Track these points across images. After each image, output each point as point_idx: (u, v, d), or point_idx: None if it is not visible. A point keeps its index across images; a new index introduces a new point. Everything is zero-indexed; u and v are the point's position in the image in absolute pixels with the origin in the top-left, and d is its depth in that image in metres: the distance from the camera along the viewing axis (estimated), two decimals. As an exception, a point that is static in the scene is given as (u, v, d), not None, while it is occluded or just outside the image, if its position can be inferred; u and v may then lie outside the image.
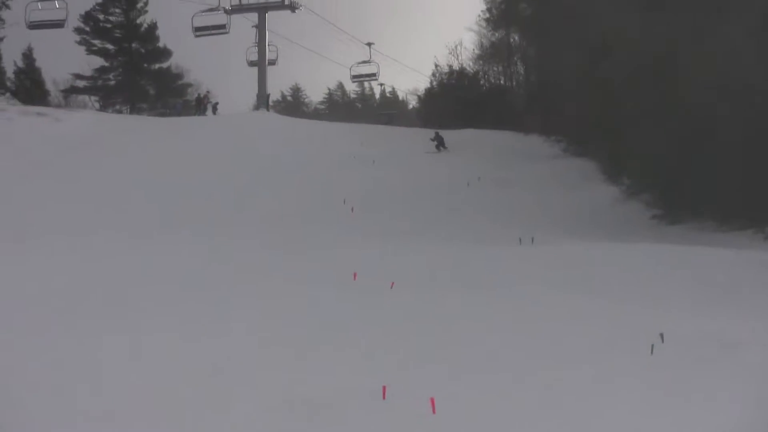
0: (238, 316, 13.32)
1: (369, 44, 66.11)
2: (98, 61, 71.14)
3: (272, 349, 11.18)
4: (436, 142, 47.14)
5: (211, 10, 60.92)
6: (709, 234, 28.57)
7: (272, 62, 63.65)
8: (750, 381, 9.83)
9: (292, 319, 13.15)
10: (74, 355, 10.68)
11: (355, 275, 16.43)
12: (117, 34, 70.91)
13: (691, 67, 29.08)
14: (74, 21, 67.10)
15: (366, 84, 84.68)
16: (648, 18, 30.42)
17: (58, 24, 52.72)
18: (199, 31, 61.22)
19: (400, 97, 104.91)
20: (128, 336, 11.78)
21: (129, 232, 24.28)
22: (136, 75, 70.76)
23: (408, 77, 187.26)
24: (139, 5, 71.41)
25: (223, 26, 61.07)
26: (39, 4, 52.19)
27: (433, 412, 8.42)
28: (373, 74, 67.13)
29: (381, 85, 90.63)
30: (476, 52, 71.92)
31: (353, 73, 67.67)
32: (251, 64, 63.89)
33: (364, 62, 66.32)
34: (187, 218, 27.51)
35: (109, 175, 33.60)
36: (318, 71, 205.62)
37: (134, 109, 68.71)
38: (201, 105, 62.11)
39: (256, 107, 64.04)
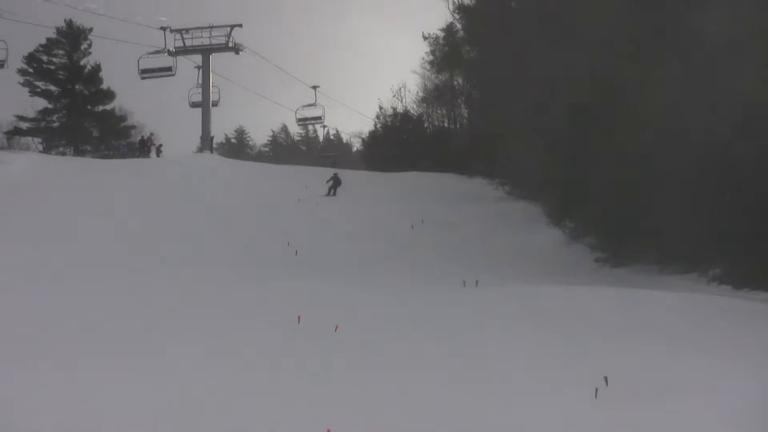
0: (178, 358, 13.03)
1: (314, 87, 66.08)
2: (42, 103, 70.57)
3: (201, 393, 10.95)
4: (331, 183, 46.64)
5: (157, 52, 60.86)
6: (653, 277, 28.84)
7: (214, 103, 63.42)
8: (694, 422, 9.81)
9: (234, 361, 12.93)
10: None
11: (299, 318, 16.24)
12: (60, 76, 70.24)
13: (634, 113, 29.45)
14: (17, 62, 66.68)
15: (310, 127, 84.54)
16: (593, 61, 30.82)
17: (-3, 64, 51.95)
18: (145, 73, 61.09)
19: (344, 140, 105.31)
20: (62, 374, 11.49)
21: (72, 272, 23.79)
22: (79, 117, 70.09)
23: (352, 120, 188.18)
24: (83, 47, 70.94)
25: (169, 68, 61.04)
26: (-24, 44, 51.54)
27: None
28: (319, 117, 66.97)
29: (324, 127, 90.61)
30: (420, 94, 72.72)
31: (299, 116, 67.44)
32: (193, 105, 63.59)
33: (310, 105, 66.16)
34: (131, 259, 27.12)
35: (52, 216, 33.05)
36: (262, 113, 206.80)
37: (78, 151, 68.01)
38: (145, 147, 61.70)
39: (200, 149, 63.69)
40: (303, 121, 69.59)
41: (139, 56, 60.92)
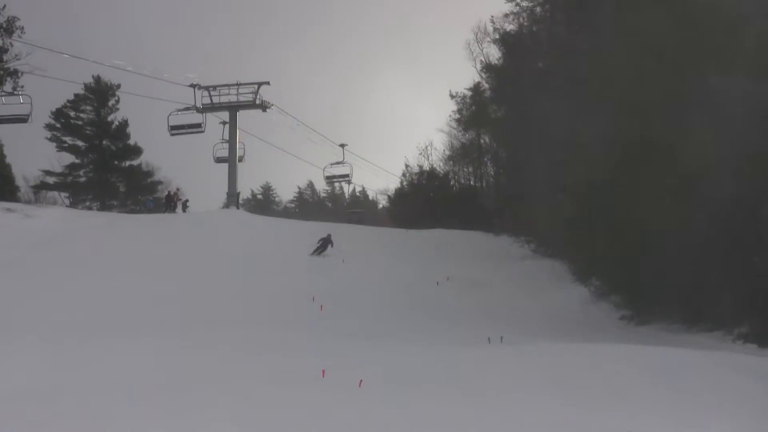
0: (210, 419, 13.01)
1: (342, 145, 66.16)
2: (69, 158, 71.16)
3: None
4: (319, 244, 43.91)
5: (186, 108, 61.02)
6: (678, 335, 28.72)
7: (240, 159, 62.96)
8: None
9: (265, 417, 12.94)
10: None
11: (323, 372, 16.27)
12: (88, 131, 71.05)
13: (661, 174, 29.55)
14: (45, 117, 67.47)
15: (337, 184, 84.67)
16: (620, 123, 30.91)
17: (21, 119, 52.33)
18: (175, 129, 61.15)
19: (370, 197, 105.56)
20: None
21: (98, 330, 23.88)
22: (106, 172, 70.68)
23: (378, 177, 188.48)
24: (111, 103, 71.80)
25: (199, 125, 61.14)
26: (2, 98, 52.27)
27: None
28: (346, 175, 66.91)
29: (350, 183, 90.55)
30: (446, 152, 72.84)
31: (326, 174, 67.46)
32: (218, 160, 63.42)
33: (338, 163, 66.16)
34: (157, 318, 27.16)
35: (79, 272, 33.28)
36: (289, 170, 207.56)
37: (104, 206, 68.44)
38: (171, 202, 61.78)
39: (227, 205, 63.89)
40: (330, 179, 69.64)
41: (168, 113, 60.98)
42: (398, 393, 15.40)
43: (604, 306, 34.74)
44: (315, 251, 43.40)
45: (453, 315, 29.61)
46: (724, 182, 27.26)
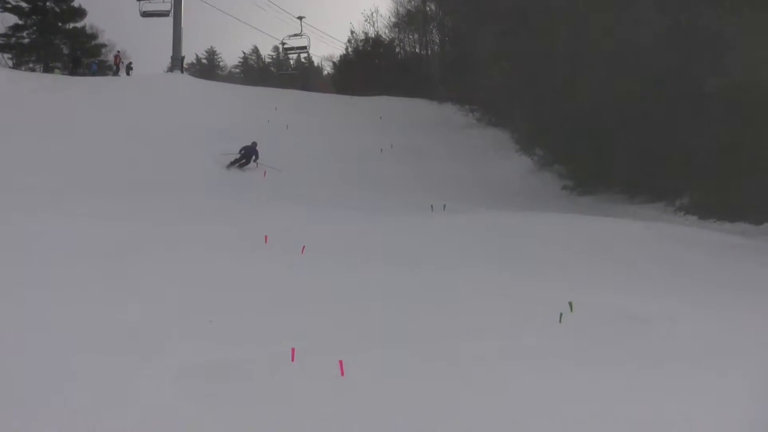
0: (152, 282, 12.70)
1: (300, 18, 65.41)
2: (12, 19, 69.41)
3: (186, 314, 10.69)
4: (240, 154, 33.82)
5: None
6: (620, 205, 28.89)
7: (165, 13, 60.30)
8: (658, 351, 9.73)
9: (212, 281, 12.68)
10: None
11: (266, 238, 16.02)
12: (31, -8, 69.20)
13: (608, 44, 29.35)
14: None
15: (293, 55, 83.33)
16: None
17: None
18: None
19: (316, 63, 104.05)
20: (34, 299, 11.15)
21: (38, 191, 23.31)
22: (50, 34, 69.13)
23: (324, 43, 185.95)
24: (56, -37, 69.66)
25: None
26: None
27: (342, 374, 8.15)
28: (304, 47, 66.74)
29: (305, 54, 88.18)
30: (392, 20, 71.82)
31: (286, 46, 67.40)
32: (144, 14, 60.40)
33: (296, 35, 65.90)
34: (100, 181, 26.69)
35: (23, 134, 32.44)
36: (234, 35, 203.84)
37: (47, 68, 67.04)
38: (115, 65, 60.76)
39: (171, 69, 62.65)
40: (289, 51, 69.39)
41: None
42: (341, 260, 15.20)
43: (547, 176, 34.83)
44: (233, 163, 33.55)
45: (395, 183, 29.49)
46: (665, 54, 27.19)
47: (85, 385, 7.86)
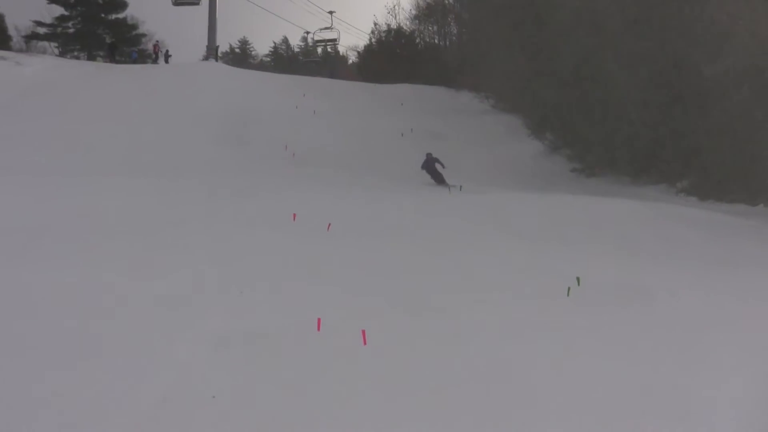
0: (187, 256, 12.79)
1: (331, 12, 65.98)
2: (58, 10, 69.98)
3: (217, 286, 10.79)
4: (429, 176, 28.57)
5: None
6: (625, 187, 28.93)
7: (195, 2, 59.89)
8: (659, 321, 9.81)
9: (241, 254, 12.76)
10: (27, 285, 10.19)
11: (294, 216, 16.09)
12: (77, -16, 69.61)
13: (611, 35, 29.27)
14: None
15: (308, 39, 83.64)
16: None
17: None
18: None
19: (341, 53, 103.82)
20: (77, 271, 11.27)
21: (83, 173, 23.47)
22: (93, 24, 69.56)
23: (349, 34, 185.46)
24: (99, -44, 69.97)
25: None
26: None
27: (364, 343, 8.25)
28: (334, 39, 67.47)
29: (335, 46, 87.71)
30: (413, 12, 71.72)
31: (316, 38, 68.03)
32: (176, 3, 59.83)
33: (326, 29, 66.58)
34: (139, 162, 26.89)
35: (68, 118, 32.71)
36: (266, 27, 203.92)
37: (91, 56, 67.43)
38: (155, 54, 61.00)
39: (206, 58, 62.72)
40: (320, 43, 70.67)
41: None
42: (365, 236, 15.27)
43: (557, 159, 34.81)
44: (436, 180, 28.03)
45: (415, 165, 29.42)
46: (668, 42, 27.15)
47: (126, 348, 8.02)
